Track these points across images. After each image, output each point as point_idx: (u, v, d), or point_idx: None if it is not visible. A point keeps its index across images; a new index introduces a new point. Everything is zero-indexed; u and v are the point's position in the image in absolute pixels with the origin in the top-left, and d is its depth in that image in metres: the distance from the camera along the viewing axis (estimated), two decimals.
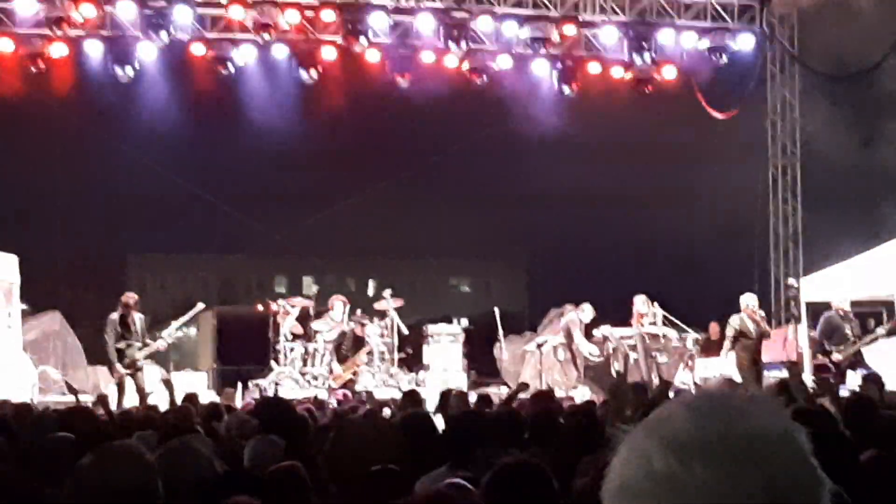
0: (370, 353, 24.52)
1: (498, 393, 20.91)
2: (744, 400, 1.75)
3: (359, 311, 25.86)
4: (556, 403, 12.80)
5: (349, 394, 21.69)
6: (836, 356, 20.29)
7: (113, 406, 18.73)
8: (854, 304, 21.51)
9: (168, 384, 18.59)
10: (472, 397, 18.21)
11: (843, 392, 15.79)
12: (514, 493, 4.87)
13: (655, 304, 24.05)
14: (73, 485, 4.62)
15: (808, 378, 20.51)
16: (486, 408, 12.76)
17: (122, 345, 20.33)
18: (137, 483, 4.47)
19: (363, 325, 24.65)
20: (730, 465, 1.64)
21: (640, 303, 23.94)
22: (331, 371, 24.08)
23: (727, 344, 21.67)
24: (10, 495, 4.39)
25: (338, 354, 24.23)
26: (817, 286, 23.71)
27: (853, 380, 19.45)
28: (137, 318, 20.74)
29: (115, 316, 20.50)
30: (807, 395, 11.61)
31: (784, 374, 20.57)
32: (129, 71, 25.32)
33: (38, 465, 7.42)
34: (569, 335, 24.23)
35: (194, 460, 6.06)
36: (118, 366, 20.19)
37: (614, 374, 23.47)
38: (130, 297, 21.01)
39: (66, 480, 4.68)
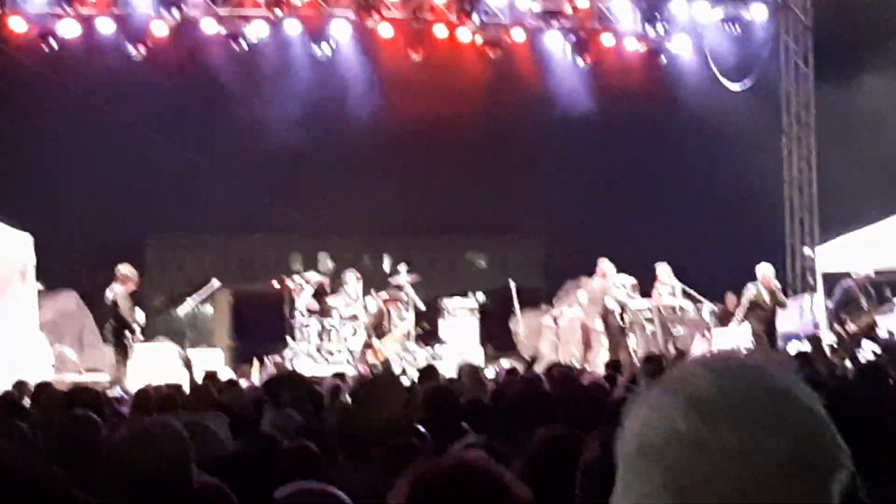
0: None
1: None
2: (763, 362, 1.73)
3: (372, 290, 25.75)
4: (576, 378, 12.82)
5: (368, 368, 21.76)
6: (851, 326, 20.24)
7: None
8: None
9: (187, 363, 18.60)
10: (490, 373, 18.28)
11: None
12: (555, 464, 4.85)
13: (672, 275, 24.00)
14: (106, 460, 4.61)
15: (826, 346, 20.59)
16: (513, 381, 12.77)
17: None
18: (172, 458, 4.46)
19: (395, 299, 24.36)
20: (756, 428, 1.63)
21: (662, 272, 23.86)
22: (370, 346, 23.77)
23: (739, 312, 21.71)
24: (24, 477, 4.38)
25: (378, 332, 23.92)
26: (833, 255, 23.65)
27: (868, 348, 19.45)
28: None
29: (125, 291, 20.70)
30: (827, 366, 11.60)
31: (804, 344, 20.63)
32: (142, 49, 25.30)
33: (54, 445, 7.43)
34: (602, 303, 23.89)
35: (205, 439, 6.06)
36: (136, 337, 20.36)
37: (631, 349, 23.40)
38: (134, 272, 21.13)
39: (99, 456, 4.67)
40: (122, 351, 20.58)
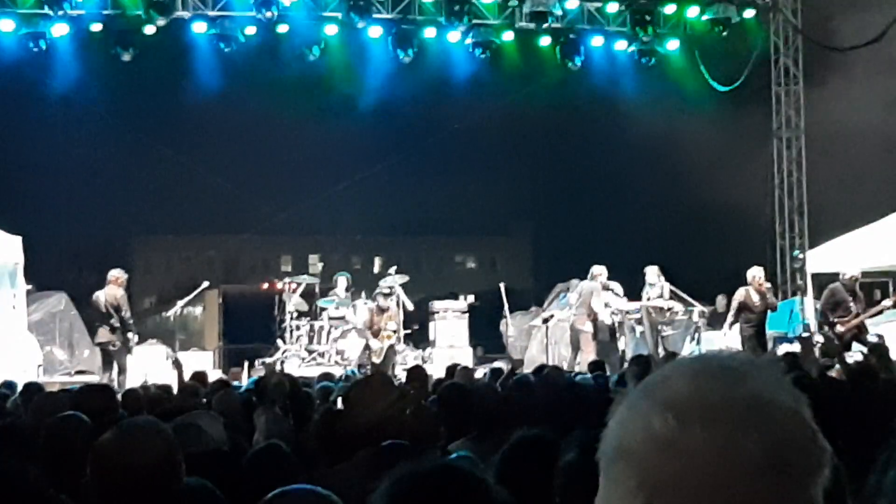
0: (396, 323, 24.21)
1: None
2: (744, 363, 1.72)
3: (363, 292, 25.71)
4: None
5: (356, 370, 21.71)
6: (840, 328, 20.24)
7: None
8: (862, 274, 21.44)
9: (177, 364, 18.60)
10: (478, 373, 18.27)
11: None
12: (531, 467, 4.84)
13: (662, 276, 24.01)
14: (94, 461, 4.59)
15: (816, 347, 20.60)
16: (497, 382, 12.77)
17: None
18: (160, 457, 4.45)
19: (386, 295, 24.26)
20: (730, 428, 1.61)
21: (652, 273, 23.85)
22: (369, 348, 23.71)
23: (730, 317, 21.72)
24: (15, 481, 4.35)
25: (373, 333, 23.79)
26: (823, 257, 23.66)
27: (857, 350, 19.45)
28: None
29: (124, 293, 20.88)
30: (816, 368, 11.60)
31: (794, 346, 20.63)
32: (131, 50, 25.21)
33: (43, 446, 7.40)
34: (589, 305, 23.82)
35: (197, 438, 6.05)
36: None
37: (620, 350, 23.40)
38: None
39: (88, 457, 4.65)
40: (125, 353, 20.63)
